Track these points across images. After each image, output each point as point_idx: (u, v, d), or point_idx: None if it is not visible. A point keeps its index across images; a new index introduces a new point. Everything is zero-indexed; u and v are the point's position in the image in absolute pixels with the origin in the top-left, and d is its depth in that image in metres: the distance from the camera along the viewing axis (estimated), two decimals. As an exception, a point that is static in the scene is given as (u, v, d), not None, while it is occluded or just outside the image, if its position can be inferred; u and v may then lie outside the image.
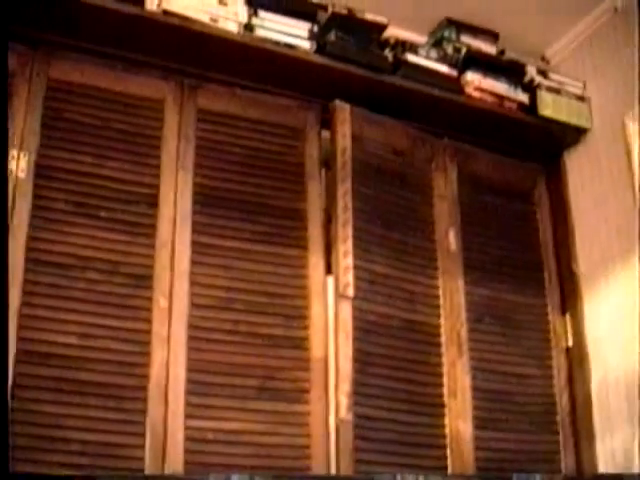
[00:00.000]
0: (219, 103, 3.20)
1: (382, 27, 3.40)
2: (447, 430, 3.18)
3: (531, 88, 3.71)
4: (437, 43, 3.63)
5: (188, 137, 3.09)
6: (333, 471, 2.90)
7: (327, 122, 3.32)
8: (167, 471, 2.70)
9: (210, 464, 2.77)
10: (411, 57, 3.43)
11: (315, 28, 3.27)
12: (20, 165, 2.81)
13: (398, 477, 2.67)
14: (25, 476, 2.45)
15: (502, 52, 3.76)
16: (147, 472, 2.67)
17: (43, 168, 2.86)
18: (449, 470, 3.12)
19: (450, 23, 3.69)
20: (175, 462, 2.73)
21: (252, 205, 3.13)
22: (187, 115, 3.12)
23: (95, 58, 3.04)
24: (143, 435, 2.72)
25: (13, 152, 2.81)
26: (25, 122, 2.87)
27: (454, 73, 3.54)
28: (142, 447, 2.71)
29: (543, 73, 3.76)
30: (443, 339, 3.29)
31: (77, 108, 2.98)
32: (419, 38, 3.63)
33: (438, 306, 3.33)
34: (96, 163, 2.94)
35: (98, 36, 3.02)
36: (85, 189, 2.90)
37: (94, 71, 3.03)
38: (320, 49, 3.25)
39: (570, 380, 3.55)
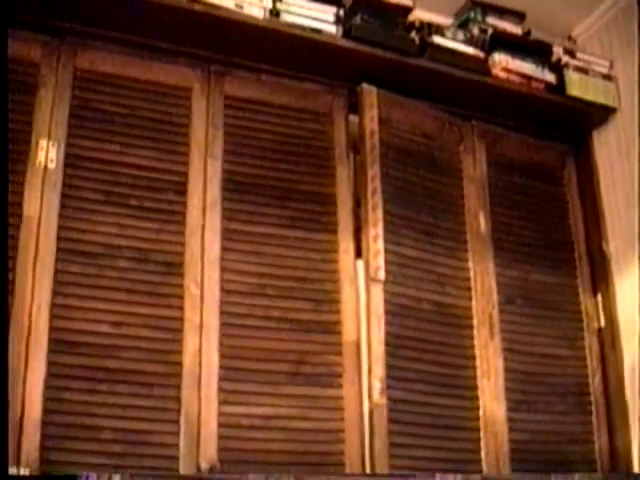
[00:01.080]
0: (246, 89, 3.18)
1: (407, 9, 3.37)
2: (480, 412, 3.15)
3: (558, 68, 3.66)
4: (463, 25, 3.58)
5: (216, 124, 3.07)
6: (367, 454, 2.88)
7: (354, 106, 3.29)
8: (202, 458, 2.68)
9: (244, 450, 2.76)
10: (437, 39, 3.39)
11: (341, 12, 3.23)
12: (49, 155, 2.80)
13: (437, 477, 2.69)
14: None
15: (528, 32, 3.71)
16: (181, 459, 2.66)
17: (72, 158, 2.85)
18: (483, 452, 3.09)
19: (475, 4, 3.63)
20: (209, 449, 2.71)
21: (281, 190, 3.10)
22: (214, 102, 3.10)
23: (121, 47, 3.03)
24: (177, 422, 2.71)
25: (42, 142, 2.80)
26: (53, 112, 2.86)
27: (481, 54, 3.50)
28: (176, 434, 2.69)
29: (570, 53, 3.71)
30: (474, 321, 3.26)
31: (105, 97, 2.96)
32: (444, 20, 3.58)
33: (469, 288, 3.29)
34: (125, 152, 2.93)
35: (124, 25, 2.99)
36: (114, 178, 2.88)
37: (121, 60, 3.02)
38: (346, 33, 3.21)
39: (602, 361, 3.51)
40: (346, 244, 3.12)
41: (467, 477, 2.93)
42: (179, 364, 2.76)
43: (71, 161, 2.84)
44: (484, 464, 3.08)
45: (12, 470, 2.44)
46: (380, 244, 3.08)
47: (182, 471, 2.65)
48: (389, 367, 2.98)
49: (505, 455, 3.14)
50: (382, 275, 3.05)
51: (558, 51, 3.70)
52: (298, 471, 2.75)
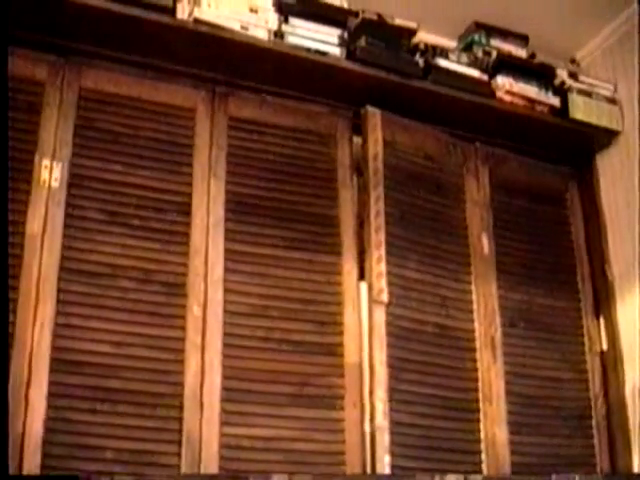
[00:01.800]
0: (250, 111, 3.18)
1: (412, 32, 3.37)
2: (482, 435, 3.13)
3: (562, 91, 3.65)
4: (467, 47, 3.58)
5: (220, 145, 3.07)
6: (369, 477, 2.87)
7: (358, 128, 3.28)
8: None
9: (245, 471, 2.74)
10: (442, 62, 3.39)
11: (345, 34, 3.23)
12: (53, 174, 2.80)
13: (437, 477, 2.67)
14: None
15: (532, 55, 3.71)
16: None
17: (76, 177, 2.84)
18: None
19: (479, 27, 3.63)
20: (211, 469, 2.69)
21: (284, 212, 3.10)
22: (218, 123, 3.10)
23: (126, 67, 3.03)
24: (179, 443, 2.69)
25: (46, 162, 2.80)
26: (57, 132, 2.86)
27: (485, 77, 3.50)
28: (178, 455, 2.68)
29: (574, 76, 3.71)
30: (477, 344, 3.24)
31: (109, 117, 2.96)
32: (448, 42, 3.57)
33: (472, 311, 3.28)
34: (128, 172, 2.92)
35: (129, 45, 3.00)
36: (118, 198, 2.88)
37: (125, 80, 3.02)
38: (350, 55, 3.21)
39: (605, 384, 3.50)
40: (349, 266, 3.10)
41: (467, 477, 2.91)
42: (181, 385, 2.75)
43: (75, 180, 2.83)
44: (486, 487, 3.06)
45: (13, 489, 2.43)
46: (383, 266, 3.07)
47: (183, 492, 2.64)
48: (391, 390, 2.96)
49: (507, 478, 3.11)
50: (385, 297, 3.03)
51: (562, 74, 3.70)
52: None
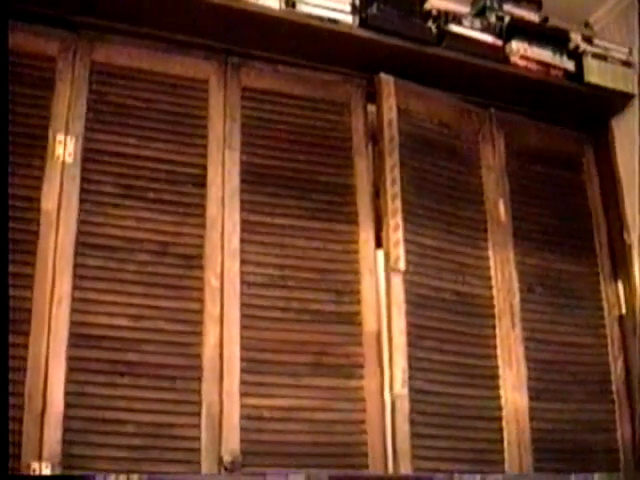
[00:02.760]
0: (263, 81, 3.14)
1: (424, -2, 3.33)
2: (502, 402, 3.11)
3: (576, 55, 3.61)
4: (480, 12, 3.52)
5: (233, 116, 3.04)
6: (389, 445, 2.84)
7: (372, 96, 3.25)
8: (224, 450, 2.65)
9: (266, 442, 2.74)
10: (455, 28, 3.35)
11: (357, 1, 3.18)
12: (67, 149, 2.78)
13: (456, 477, 2.67)
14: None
15: (545, 19, 3.65)
16: (203, 452, 2.64)
17: (90, 152, 2.82)
18: (505, 442, 3.05)
19: (491, -9, 3.59)
20: (231, 441, 2.69)
21: (300, 182, 3.07)
22: (231, 94, 3.07)
23: (138, 40, 3.00)
24: (199, 415, 2.68)
25: (59, 137, 2.78)
26: (70, 107, 2.83)
27: (499, 42, 3.45)
28: (198, 427, 2.67)
29: (588, 39, 3.66)
30: (495, 310, 3.22)
31: (122, 91, 2.94)
32: (461, 8, 3.49)
33: (489, 277, 3.25)
34: (142, 145, 2.90)
35: (140, 18, 2.96)
36: (132, 171, 2.86)
37: (137, 53, 2.99)
38: (363, 23, 3.16)
39: (624, 348, 3.46)
40: (366, 234, 3.08)
41: (485, 477, 2.89)
42: (200, 357, 2.73)
43: (89, 155, 2.81)
44: (506, 454, 3.05)
45: (34, 465, 2.43)
46: (400, 234, 3.04)
47: (204, 463, 2.63)
48: (410, 358, 2.94)
49: (527, 444, 3.10)
50: (402, 265, 3.01)
51: (576, 38, 3.65)
52: (320, 463, 2.75)
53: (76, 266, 2.68)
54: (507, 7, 3.57)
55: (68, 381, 2.55)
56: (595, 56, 3.61)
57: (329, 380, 2.88)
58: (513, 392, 3.13)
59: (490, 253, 3.28)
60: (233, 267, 2.86)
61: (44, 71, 2.84)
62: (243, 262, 2.88)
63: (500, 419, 3.09)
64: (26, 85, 2.79)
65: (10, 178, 2.59)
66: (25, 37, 2.82)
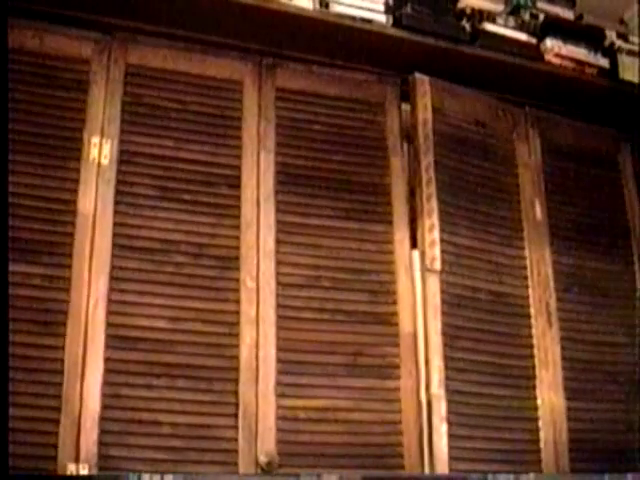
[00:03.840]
0: (297, 81, 3.12)
1: (458, -3, 3.31)
2: (539, 402, 3.07)
3: (611, 52, 3.57)
4: (514, 11, 3.48)
5: (268, 117, 3.02)
6: (425, 446, 2.81)
7: (407, 95, 3.22)
8: (260, 451, 2.63)
9: (302, 442, 2.72)
10: (489, 26, 3.32)
11: (390, 1, 3.15)
12: (103, 152, 2.76)
13: (490, 477, 2.66)
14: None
15: (580, 17, 3.62)
16: (240, 453, 2.61)
17: (125, 154, 2.81)
18: (542, 442, 3.01)
19: (525, -11, 3.54)
20: (267, 442, 2.66)
21: (335, 182, 3.04)
22: (266, 95, 3.05)
23: (172, 41, 2.98)
24: (235, 416, 2.66)
25: (94, 139, 2.77)
26: (105, 109, 2.82)
27: (533, 40, 3.41)
28: (234, 428, 2.65)
29: (623, 36, 3.62)
30: (532, 310, 3.17)
31: (156, 92, 2.92)
32: (495, 6, 3.46)
33: (525, 277, 3.21)
34: (178, 147, 2.88)
35: (174, 20, 2.95)
36: (168, 173, 2.84)
37: (172, 55, 2.97)
38: (396, 22, 3.13)
39: (661, 347, 3.40)
40: (401, 235, 3.05)
41: (518, 477, 2.86)
42: (236, 358, 2.71)
43: (124, 157, 2.80)
44: (543, 454, 3.01)
45: (71, 467, 2.42)
46: (436, 234, 3.01)
47: (241, 464, 2.61)
48: (446, 358, 2.91)
49: (564, 445, 3.06)
50: (438, 265, 2.98)
51: (610, 35, 3.61)
52: (356, 464, 2.73)
53: (113, 268, 2.66)
54: (541, 5, 3.54)
55: (105, 383, 2.54)
56: (630, 53, 3.58)
57: (365, 381, 2.85)
58: (549, 392, 3.09)
59: (526, 252, 3.24)
60: (269, 268, 2.84)
61: (79, 74, 2.83)
62: (278, 263, 2.86)
63: (537, 419, 3.05)
64: (61, 88, 2.79)
65: (46, 181, 2.67)
66: (60, 40, 2.82)
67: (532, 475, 2.94)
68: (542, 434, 3.03)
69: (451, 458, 2.80)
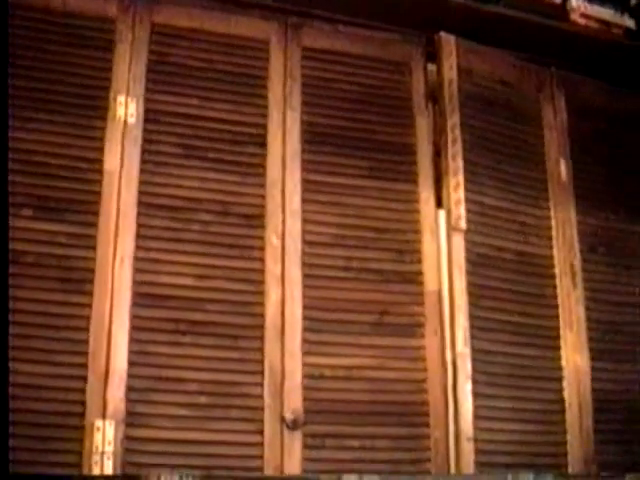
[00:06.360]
0: (323, 41, 3.05)
1: (484, -44, 3.22)
2: (563, 362, 3.02)
3: (638, 12, 3.46)
4: (539, -30, 3.39)
5: (294, 76, 2.96)
6: (450, 404, 2.79)
7: (432, 55, 3.15)
8: (286, 409, 2.61)
9: (328, 400, 2.69)
10: (514, -15, 3.23)
11: (415, -41, 3.07)
12: (129, 110, 2.72)
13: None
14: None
15: (606, -24, 3.51)
16: (266, 410, 2.59)
17: (151, 112, 2.76)
18: (566, 402, 2.96)
19: (551, -51, 3.45)
20: (293, 400, 2.64)
21: (361, 141, 2.98)
22: (292, 54, 2.99)
23: (197, 0, 2.92)
24: (261, 373, 2.63)
25: (120, 98, 2.72)
26: (130, 68, 2.77)
27: (558, 0, 3.32)
28: (260, 385, 2.62)
29: (650, -3, 3.51)
30: (557, 271, 3.11)
31: (182, 51, 2.86)
32: (521, -35, 3.39)
33: (550, 237, 3.15)
34: (203, 105, 2.83)
35: (198, -22, 2.89)
36: (193, 132, 2.79)
37: (197, 14, 2.91)
38: (422, -19, 3.06)
39: (687, 308, 3.33)
40: (427, 194, 2.99)
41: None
42: (262, 316, 2.68)
43: (150, 116, 2.75)
44: (567, 414, 2.96)
45: (98, 423, 2.40)
46: (461, 193, 2.96)
47: (266, 421, 2.59)
48: (471, 317, 2.86)
49: (588, 405, 3.01)
50: (463, 224, 2.93)
51: (637, -5, 3.50)
52: (381, 422, 2.70)
53: (139, 226, 2.63)
54: (566, -37, 3.44)
55: (131, 340, 2.51)
56: (656, 14, 3.47)
57: (390, 339, 2.81)
58: (574, 353, 3.04)
59: (551, 213, 3.17)
60: (294, 226, 2.79)
61: (104, 33, 2.77)
62: (304, 221, 2.82)
63: (561, 379, 3.00)
64: (86, 47, 2.73)
65: (72, 140, 2.64)
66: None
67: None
68: (566, 394, 2.98)
69: (476, 416, 2.77)
